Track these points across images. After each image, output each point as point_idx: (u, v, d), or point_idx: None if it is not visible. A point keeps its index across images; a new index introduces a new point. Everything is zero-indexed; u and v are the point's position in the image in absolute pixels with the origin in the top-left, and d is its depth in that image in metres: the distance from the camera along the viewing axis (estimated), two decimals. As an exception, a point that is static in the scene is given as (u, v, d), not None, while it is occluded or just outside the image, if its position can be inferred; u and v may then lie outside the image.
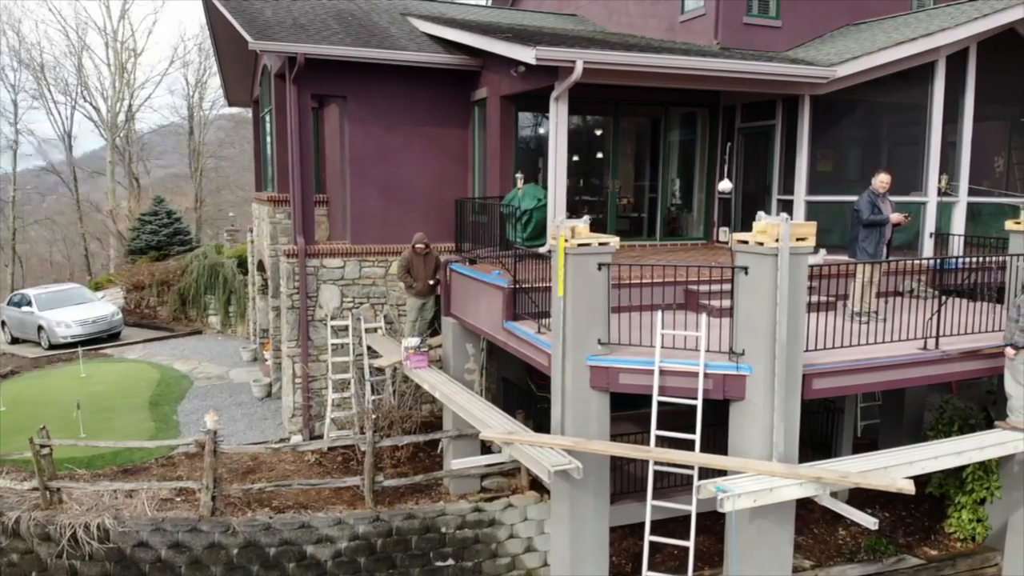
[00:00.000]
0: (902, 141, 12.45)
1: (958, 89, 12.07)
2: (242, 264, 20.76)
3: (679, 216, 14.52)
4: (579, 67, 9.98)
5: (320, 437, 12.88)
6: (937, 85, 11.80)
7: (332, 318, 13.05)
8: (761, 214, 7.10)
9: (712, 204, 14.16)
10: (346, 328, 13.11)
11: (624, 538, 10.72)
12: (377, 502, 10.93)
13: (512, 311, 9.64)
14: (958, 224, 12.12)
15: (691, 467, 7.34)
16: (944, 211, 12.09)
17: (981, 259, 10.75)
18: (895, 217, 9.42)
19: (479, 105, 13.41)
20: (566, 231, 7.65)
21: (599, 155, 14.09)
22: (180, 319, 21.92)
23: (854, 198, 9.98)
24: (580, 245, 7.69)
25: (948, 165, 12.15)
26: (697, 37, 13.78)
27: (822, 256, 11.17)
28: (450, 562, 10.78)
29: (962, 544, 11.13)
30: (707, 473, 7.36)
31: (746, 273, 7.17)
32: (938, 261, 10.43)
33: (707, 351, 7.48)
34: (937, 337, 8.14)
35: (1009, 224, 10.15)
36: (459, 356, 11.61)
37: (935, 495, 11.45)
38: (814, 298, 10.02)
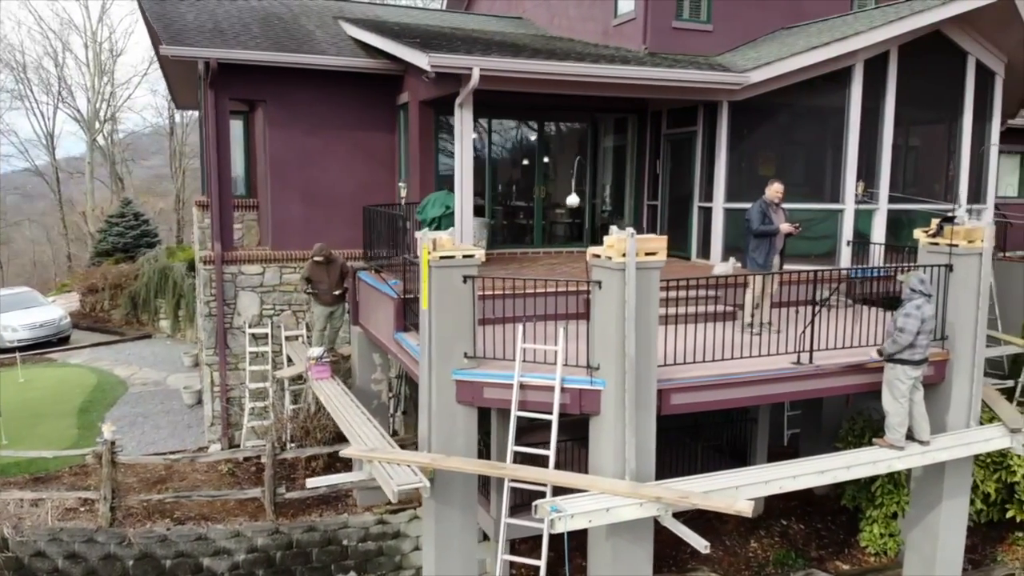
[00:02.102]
0: (823, 146, 12.22)
1: (879, 94, 11.83)
2: (193, 268, 20.61)
3: (610, 223, 14.29)
4: (475, 74, 9.87)
5: (238, 446, 12.75)
6: (855, 90, 11.56)
7: (251, 326, 12.92)
8: (613, 228, 6.95)
9: (642, 211, 13.97)
10: (266, 336, 12.98)
11: (533, 550, 10.55)
12: (281, 514, 10.81)
13: (403, 322, 9.49)
14: (878, 232, 11.89)
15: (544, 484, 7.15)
16: (863, 219, 11.87)
17: (887, 268, 10.54)
18: (785, 227, 9.19)
19: (404, 109, 13.26)
20: (428, 243, 7.49)
21: (526, 161, 13.92)
22: (132, 323, 21.77)
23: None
24: (443, 258, 7.53)
25: (869, 171, 11.93)
26: (629, 41, 13.59)
27: (732, 265, 10.98)
28: (351, 575, 10.65)
29: (875, 559, 10.93)
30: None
31: (600, 287, 7.01)
32: (831, 272, 10.18)
33: (568, 365, 7.33)
34: (811, 351, 7.94)
35: (918, 233, 9.91)
36: (365, 366, 11.46)
37: (849, 508, 11.25)
38: (719, 308, 9.91)
